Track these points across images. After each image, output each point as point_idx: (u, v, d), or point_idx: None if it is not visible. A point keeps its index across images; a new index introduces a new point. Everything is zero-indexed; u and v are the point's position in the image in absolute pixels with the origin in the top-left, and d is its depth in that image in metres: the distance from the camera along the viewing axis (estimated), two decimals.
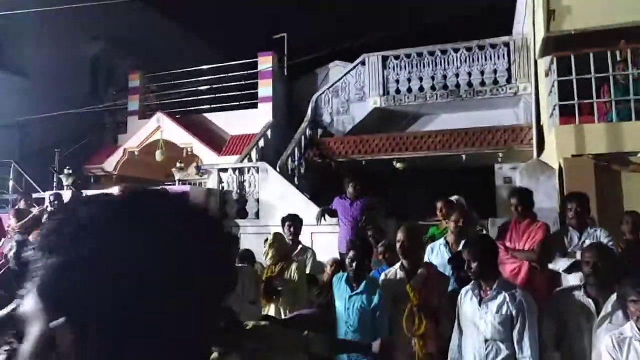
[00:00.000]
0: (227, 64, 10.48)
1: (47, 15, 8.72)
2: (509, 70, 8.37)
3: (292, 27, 10.88)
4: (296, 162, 8.53)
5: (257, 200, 7.30)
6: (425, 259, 4.01)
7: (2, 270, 3.69)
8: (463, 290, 3.18)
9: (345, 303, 3.55)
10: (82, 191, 8.09)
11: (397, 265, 3.64)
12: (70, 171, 7.91)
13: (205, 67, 10.73)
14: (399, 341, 3.32)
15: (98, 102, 11.23)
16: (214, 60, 10.83)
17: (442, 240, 4.36)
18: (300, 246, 5.38)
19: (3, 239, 6.89)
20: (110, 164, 10.26)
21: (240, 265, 4.08)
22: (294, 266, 4.34)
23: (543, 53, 6.58)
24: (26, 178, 8.63)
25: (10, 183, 8.55)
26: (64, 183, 8.04)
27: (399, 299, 3.41)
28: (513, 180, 8.90)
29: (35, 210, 6.84)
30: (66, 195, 7.63)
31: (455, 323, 3.17)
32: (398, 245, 3.51)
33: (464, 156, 8.03)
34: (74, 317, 0.51)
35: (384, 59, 9.06)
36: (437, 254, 4.30)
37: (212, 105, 10.45)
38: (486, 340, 2.93)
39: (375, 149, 8.35)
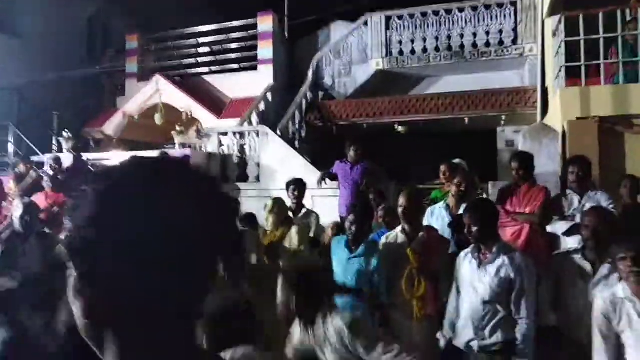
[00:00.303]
0: (226, 24, 10.24)
1: None
2: (515, 30, 8.16)
3: None
4: (297, 126, 8.45)
5: (258, 164, 7.28)
6: (425, 221, 4.00)
7: (8, 234, 3.71)
8: (462, 254, 3.19)
9: (344, 265, 3.58)
10: (82, 154, 8.08)
11: (398, 229, 3.64)
12: (70, 135, 7.86)
13: (204, 28, 10.48)
14: (398, 303, 3.37)
15: (95, 64, 11.05)
16: (213, 20, 10.57)
17: (442, 204, 4.35)
18: (304, 210, 5.39)
19: (4, 203, 6.95)
20: (109, 127, 10.19)
21: (242, 229, 4.10)
22: (294, 230, 4.36)
23: (552, 12, 6.38)
24: (25, 141, 8.60)
25: (10, 146, 8.52)
26: (64, 146, 8.00)
27: (399, 262, 3.43)
28: (515, 143, 8.83)
29: (33, 174, 6.85)
30: (66, 158, 7.63)
31: (453, 285, 3.20)
32: (400, 209, 3.50)
33: (466, 119, 7.94)
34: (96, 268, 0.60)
35: (387, 19, 8.83)
36: (437, 217, 4.29)
37: (212, 68, 10.26)
38: (484, 303, 2.96)
39: (377, 112, 8.25)
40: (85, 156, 7.95)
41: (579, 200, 4.15)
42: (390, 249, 3.58)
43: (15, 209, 3.72)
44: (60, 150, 8.59)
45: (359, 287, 3.47)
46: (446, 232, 4.03)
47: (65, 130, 8.00)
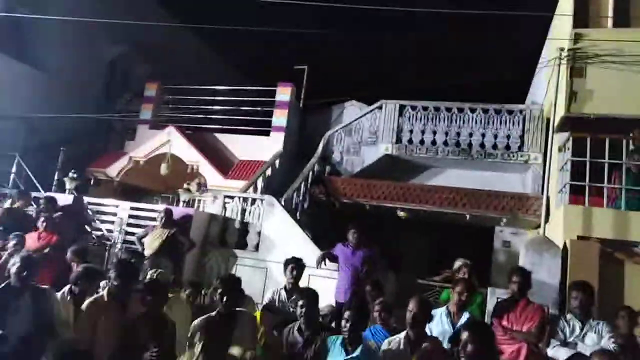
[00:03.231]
0: (244, 88, 10.58)
1: (73, 13, 8.79)
2: (522, 137, 8.49)
3: (314, 60, 11.04)
4: (301, 197, 8.51)
5: (259, 233, 7.25)
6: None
7: (2, 285, 3.60)
8: None
9: None
10: (82, 197, 8.01)
11: (402, 334, 3.60)
12: (75, 175, 7.84)
13: (222, 87, 10.81)
14: None
15: (111, 106, 11.24)
16: (233, 81, 10.93)
17: (444, 309, 4.32)
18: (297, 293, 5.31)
19: None
20: (113, 169, 10.21)
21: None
22: None
23: (560, 129, 6.68)
24: (28, 174, 8.55)
25: (12, 177, 8.45)
26: (67, 186, 7.97)
27: None
28: (512, 244, 8.94)
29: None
30: (62, 199, 7.56)
31: None
32: (409, 314, 3.51)
33: (468, 216, 8.06)
34: None
35: (401, 107, 9.18)
36: (437, 323, 4.25)
37: (224, 127, 10.48)
38: None
39: (381, 195, 8.37)
40: (85, 199, 7.89)
41: (580, 327, 4.15)
42: (391, 355, 3.52)
43: (13, 264, 3.63)
44: (60, 187, 8.53)
45: None
46: (445, 340, 3.98)
47: (72, 169, 7.99)
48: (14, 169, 8.43)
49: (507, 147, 8.52)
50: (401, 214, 8.52)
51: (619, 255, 5.33)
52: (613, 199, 6.19)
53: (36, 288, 3.69)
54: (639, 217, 5.66)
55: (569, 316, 4.27)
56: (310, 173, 8.99)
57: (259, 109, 10.30)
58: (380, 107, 9.42)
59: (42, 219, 6.55)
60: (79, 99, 10.32)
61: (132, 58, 12.06)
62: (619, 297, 5.18)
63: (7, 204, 7.16)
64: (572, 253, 5.44)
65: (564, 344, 4.09)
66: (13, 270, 3.59)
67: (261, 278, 6.75)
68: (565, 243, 5.67)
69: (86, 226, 7.50)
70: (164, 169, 9.30)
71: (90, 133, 10.52)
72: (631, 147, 6.21)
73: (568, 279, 5.25)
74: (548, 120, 7.90)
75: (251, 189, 8.16)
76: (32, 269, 3.67)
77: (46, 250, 6.21)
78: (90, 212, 7.60)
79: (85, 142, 10.27)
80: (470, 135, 8.75)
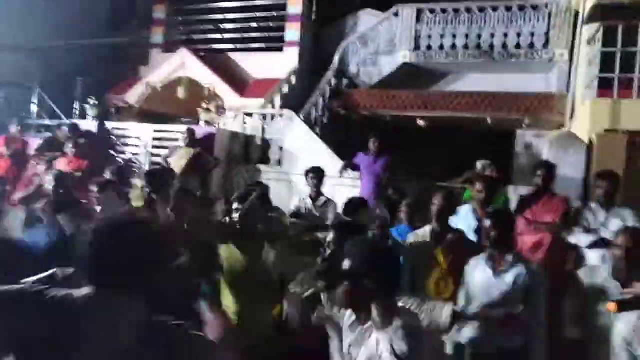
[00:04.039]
0: (254, 2, 10.16)
1: None
2: (547, 34, 8.07)
3: None
4: (320, 112, 8.46)
5: (281, 148, 7.32)
6: (451, 220, 4.06)
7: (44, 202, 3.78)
8: (472, 261, 3.23)
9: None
10: (105, 122, 8.13)
11: (427, 227, 3.71)
12: (96, 102, 7.91)
13: (231, 4, 10.40)
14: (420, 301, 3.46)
15: (120, 32, 10.99)
16: None
17: (469, 206, 4.39)
18: (322, 198, 5.46)
19: (28, 164, 7.04)
20: (132, 96, 10.20)
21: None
22: None
23: (590, 20, 6.32)
24: (49, 103, 8.65)
25: (35, 108, 8.58)
26: (88, 113, 8.07)
27: (426, 260, 3.51)
28: (534, 147, 8.83)
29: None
30: (85, 125, 7.68)
31: (461, 292, 3.26)
32: (434, 207, 3.57)
33: (489, 120, 7.93)
34: None
35: (419, 11, 8.74)
36: (464, 218, 4.34)
37: (237, 45, 10.22)
38: (499, 309, 3.05)
39: (401, 105, 8.25)
40: (108, 125, 8.01)
41: (604, 215, 4.19)
42: (418, 246, 3.66)
43: (49, 182, 3.78)
44: (82, 116, 8.64)
45: None
46: (471, 234, 4.10)
47: (90, 97, 8.04)
48: (35, 100, 8.52)
49: (531, 46, 8.14)
50: (421, 122, 8.44)
51: None
52: None
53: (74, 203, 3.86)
54: None
55: (593, 205, 4.29)
56: (328, 87, 8.85)
57: (270, 24, 9.94)
58: (396, 14, 8.99)
59: (70, 145, 6.72)
60: (88, 28, 10.10)
61: None
62: None
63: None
64: (599, 146, 5.38)
65: (587, 231, 4.16)
66: (49, 186, 3.75)
67: (286, 191, 6.92)
68: (590, 139, 5.59)
69: (111, 151, 7.69)
70: (181, 92, 9.27)
71: (104, 62, 10.42)
72: None
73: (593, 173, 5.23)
74: (577, 13, 7.46)
75: (269, 105, 8.12)
76: (65, 185, 3.82)
77: (78, 174, 6.44)
78: (114, 138, 7.75)
79: (100, 70, 10.20)
80: (492, 36, 8.36)
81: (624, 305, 1.59)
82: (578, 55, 6.53)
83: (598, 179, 4.33)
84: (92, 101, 7.94)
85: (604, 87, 5.88)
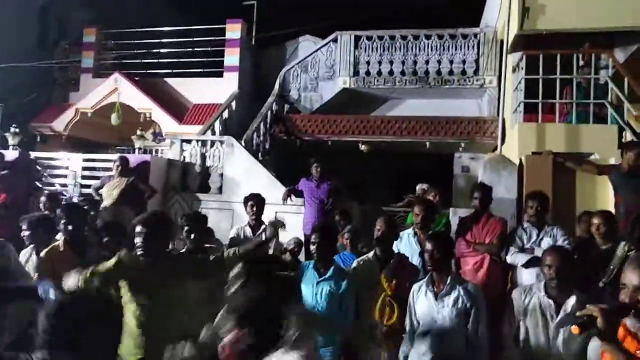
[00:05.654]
0: (192, 27, 10.01)
1: None
2: (477, 62, 8.52)
3: None
4: (261, 138, 8.37)
5: (221, 175, 7.12)
6: (394, 246, 4.07)
7: None
8: (415, 287, 3.27)
9: (313, 289, 3.57)
10: (29, 151, 7.59)
11: (370, 254, 3.70)
12: (17, 130, 7.36)
13: (168, 29, 10.19)
14: (365, 326, 3.42)
15: (47, 56, 10.43)
16: (178, 21, 10.29)
17: (411, 231, 4.43)
18: (263, 226, 5.32)
19: None
20: (60, 123, 9.64)
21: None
22: None
23: (514, 49, 6.73)
24: None
25: None
26: (9, 142, 7.49)
27: (370, 286, 3.48)
28: (471, 169, 9.21)
29: None
30: (9, 155, 7.13)
31: (407, 319, 3.26)
32: (377, 233, 3.57)
33: (427, 143, 8.18)
34: None
35: (357, 38, 8.97)
36: (405, 244, 4.36)
37: (174, 70, 9.98)
38: (442, 334, 3.07)
39: (342, 130, 8.34)
40: (32, 154, 7.47)
41: (537, 233, 4.37)
42: (361, 272, 3.62)
43: None
44: (4, 145, 8.01)
45: (329, 310, 3.46)
46: (414, 259, 4.11)
47: (13, 125, 7.48)
48: None
49: (463, 72, 8.56)
50: (363, 147, 8.56)
51: (569, 164, 5.54)
52: (565, 114, 6.40)
53: None
54: (589, 129, 5.90)
55: (525, 224, 4.47)
56: (269, 112, 8.80)
57: (209, 49, 9.82)
58: (335, 40, 9.18)
59: None
60: (13, 51, 9.49)
61: (66, 2, 11.08)
62: (572, 204, 5.47)
63: None
64: (527, 167, 5.65)
65: (522, 250, 4.31)
66: None
67: (227, 219, 6.71)
68: (520, 160, 5.87)
69: (37, 182, 7.16)
70: (114, 119, 8.86)
71: (28, 86, 9.79)
72: (581, 62, 6.37)
73: (524, 193, 5.47)
74: (502, 42, 7.93)
75: (209, 132, 7.92)
76: None
77: None
78: (40, 168, 7.22)
79: (24, 96, 9.57)
80: (427, 62, 8.71)
81: (584, 327, 1.63)
82: (504, 82, 6.89)
83: (529, 199, 4.52)
84: (13, 129, 7.38)
85: (530, 112, 6.24)
